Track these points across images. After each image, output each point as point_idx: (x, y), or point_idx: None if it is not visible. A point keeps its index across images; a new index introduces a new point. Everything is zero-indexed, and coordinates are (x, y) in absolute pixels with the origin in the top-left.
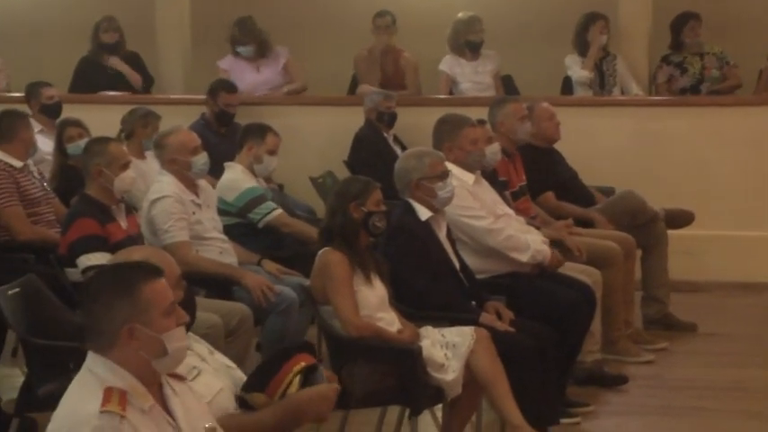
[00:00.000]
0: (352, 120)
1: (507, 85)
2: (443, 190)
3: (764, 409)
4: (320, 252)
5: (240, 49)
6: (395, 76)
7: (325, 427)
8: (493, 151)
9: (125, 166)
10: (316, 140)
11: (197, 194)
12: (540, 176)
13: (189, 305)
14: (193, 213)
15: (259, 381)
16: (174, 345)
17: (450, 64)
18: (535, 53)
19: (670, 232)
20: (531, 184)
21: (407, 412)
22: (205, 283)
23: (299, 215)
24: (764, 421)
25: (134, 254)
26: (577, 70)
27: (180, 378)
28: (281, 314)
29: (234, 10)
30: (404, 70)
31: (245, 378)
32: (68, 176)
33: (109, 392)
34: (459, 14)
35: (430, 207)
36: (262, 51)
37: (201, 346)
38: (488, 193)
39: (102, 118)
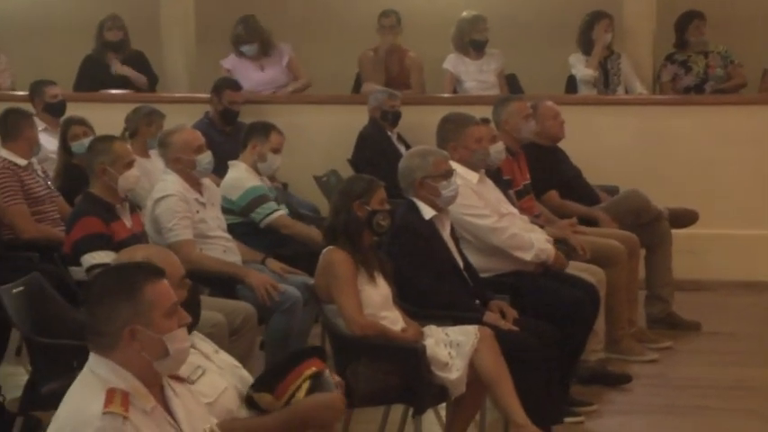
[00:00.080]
0: (356, 118)
1: (511, 84)
2: (447, 189)
3: None
4: (324, 251)
5: (244, 48)
6: (400, 76)
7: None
8: (497, 150)
9: (129, 164)
10: (320, 139)
11: (201, 193)
12: (544, 175)
13: (194, 304)
14: (197, 212)
15: (269, 381)
16: (176, 346)
17: (454, 63)
18: (539, 52)
19: (674, 231)
20: (535, 183)
21: (411, 411)
22: (209, 281)
23: (303, 214)
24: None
25: (138, 252)
26: (582, 69)
27: (180, 380)
28: (285, 313)
29: (238, 8)
30: (409, 70)
31: (250, 377)
32: (73, 175)
33: (111, 393)
34: (464, 13)
35: (434, 206)
36: (264, 50)
37: (207, 345)
38: (492, 191)
39: (106, 116)
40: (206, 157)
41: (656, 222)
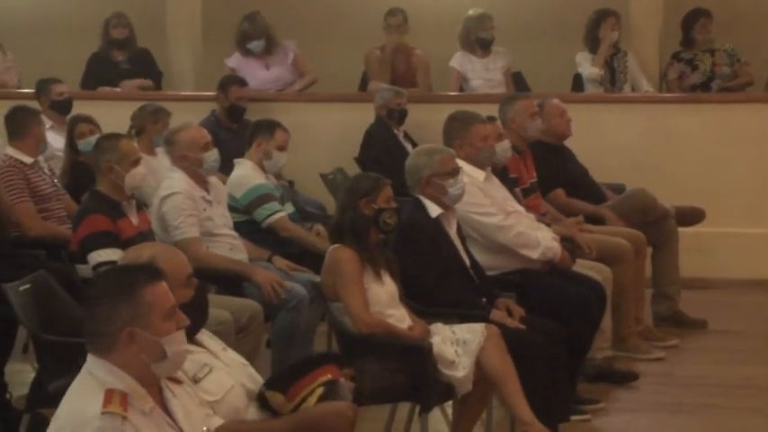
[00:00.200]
0: (362, 116)
1: (518, 82)
2: (454, 187)
3: None
4: (331, 249)
5: (251, 45)
6: (406, 74)
7: None
8: (503, 148)
9: (136, 162)
10: (326, 137)
11: (207, 191)
12: (550, 173)
13: (201, 303)
14: (204, 210)
15: (283, 381)
16: (174, 348)
17: (460, 61)
18: (546, 50)
19: (680, 229)
20: (541, 181)
21: (418, 409)
22: (215, 279)
23: (309, 211)
24: None
25: (145, 251)
26: (588, 67)
27: (178, 381)
28: (291, 311)
29: (245, 7)
30: (415, 68)
31: (257, 375)
32: (79, 173)
33: (110, 394)
34: (470, 11)
35: (440, 204)
36: (269, 47)
37: (214, 343)
38: (499, 189)
39: (112, 114)
40: (212, 155)
41: (662, 220)
